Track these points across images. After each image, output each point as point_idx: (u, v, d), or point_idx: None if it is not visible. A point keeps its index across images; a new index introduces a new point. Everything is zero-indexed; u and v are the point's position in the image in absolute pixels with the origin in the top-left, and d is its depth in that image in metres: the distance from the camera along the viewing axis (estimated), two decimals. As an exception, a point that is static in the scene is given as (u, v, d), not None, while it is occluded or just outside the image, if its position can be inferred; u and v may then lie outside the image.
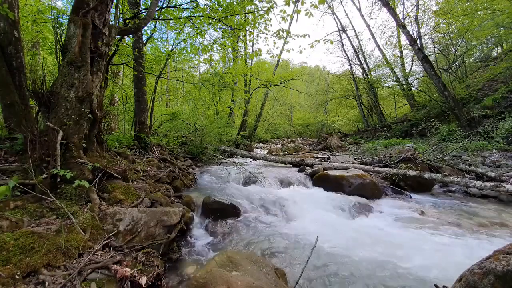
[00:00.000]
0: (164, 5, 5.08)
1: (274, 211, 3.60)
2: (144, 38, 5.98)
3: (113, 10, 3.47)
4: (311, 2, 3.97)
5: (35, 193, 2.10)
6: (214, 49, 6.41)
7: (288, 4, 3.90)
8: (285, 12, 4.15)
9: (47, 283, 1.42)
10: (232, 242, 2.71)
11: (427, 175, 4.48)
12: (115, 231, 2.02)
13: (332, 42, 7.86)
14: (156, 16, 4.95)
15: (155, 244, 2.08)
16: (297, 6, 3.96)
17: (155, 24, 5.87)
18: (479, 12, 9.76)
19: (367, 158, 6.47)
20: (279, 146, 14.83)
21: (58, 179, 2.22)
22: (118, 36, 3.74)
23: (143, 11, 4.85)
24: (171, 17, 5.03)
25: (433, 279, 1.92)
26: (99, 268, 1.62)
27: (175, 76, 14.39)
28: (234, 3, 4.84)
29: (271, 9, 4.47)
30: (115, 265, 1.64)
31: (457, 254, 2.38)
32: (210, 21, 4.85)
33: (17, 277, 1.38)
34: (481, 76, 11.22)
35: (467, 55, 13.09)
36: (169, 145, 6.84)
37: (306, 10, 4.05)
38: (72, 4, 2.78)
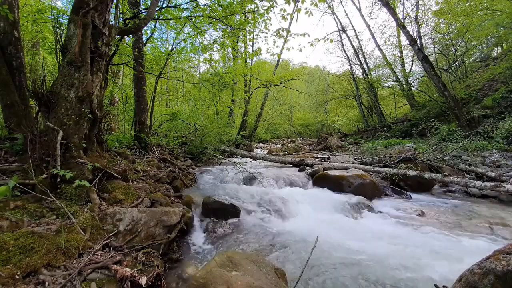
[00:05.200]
0: (164, 5, 5.09)
1: (274, 211, 3.60)
2: (144, 38, 5.98)
3: (113, 10, 3.47)
4: (311, 1, 3.97)
5: (35, 193, 2.10)
6: (214, 48, 6.42)
7: (289, 3, 3.90)
8: (285, 11, 4.15)
9: (47, 283, 1.42)
10: (232, 242, 2.71)
11: (427, 175, 4.48)
12: (115, 231, 2.02)
13: (331, 41, 7.89)
14: (156, 16, 4.95)
15: (155, 244, 2.08)
16: (297, 5, 3.96)
17: (155, 24, 5.87)
18: (479, 12, 9.76)
19: (367, 158, 6.47)
20: (279, 146, 14.83)
21: (58, 179, 2.22)
22: (118, 36, 3.74)
23: (143, 11, 4.85)
24: (171, 17, 5.03)
25: (433, 279, 1.92)
26: (99, 268, 1.62)
27: (175, 76, 14.39)
28: (234, 2, 4.84)
29: (271, 8, 4.47)
30: (115, 265, 1.64)
31: (457, 254, 2.37)
32: (210, 20, 4.85)
33: (17, 277, 1.38)
34: (481, 76, 11.22)
35: (467, 55, 13.08)
36: (169, 145, 6.84)
37: (306, 8, 4.05)
38: (72, 4, 2.78)
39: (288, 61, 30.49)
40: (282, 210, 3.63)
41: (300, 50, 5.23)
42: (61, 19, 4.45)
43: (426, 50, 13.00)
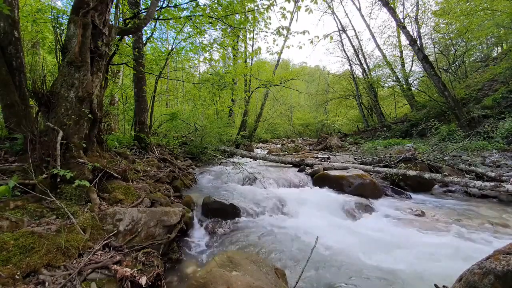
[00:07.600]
0: (164, 5, 5.09)
1: (274, 211, 3.60)
2: (144, 38, 5.98)
3: (113, 10, 3.47)
4: (311, -1, 3.96)
5: (35, 193, 2.10)
6: (214, 48, 6.42)
7: (288, 1, 3.90)
8: (285, 9, 4.14)
9: (47, 283, 1.42)
10: (232, 242, 2.71)
11: (427, 175, 4.48)
12: (115, 231, 2.02)
13: (331, 38, 7.89)
14: (156, 16, 4.95)
15: (155, 244, 2.08)
16: (298, 3, 3.95)
17: (155, 24, 5.87)
18: (479, 12, 9.75)
19: (367, 158, 6.47)
20: (279, 146, 14.82)
21: (58, 179, 2.22)
22: (118, 36, 3.74)
23: (143, 11, 4.85)
24: (171, 17, 5.03)
25: (433, 279, 1.91)
26: (99, 268, 1.62)
27: (175, 76, 14.38)
28: (234, 2, 4.83)
29: (271, 7, 4.46)
30: (115, 265, 1.64)
31: (457, 254, 2.38)
32: (210, 20, 4.85)
33: (17, 277, 1.38)
34: (481, 76, 11.22)
35: (467, 55, 13.08)
36: (169, 145, 6.84)
37: (306, 6, 4.05)
38: (72, 4, 2.77)
39: (288, 61, 30.51)
40: (282, 210, 3.63)
41: (300, 48, 5.19)
42: (61, 19, 4.44)
43: (426, 50, 12.99)
